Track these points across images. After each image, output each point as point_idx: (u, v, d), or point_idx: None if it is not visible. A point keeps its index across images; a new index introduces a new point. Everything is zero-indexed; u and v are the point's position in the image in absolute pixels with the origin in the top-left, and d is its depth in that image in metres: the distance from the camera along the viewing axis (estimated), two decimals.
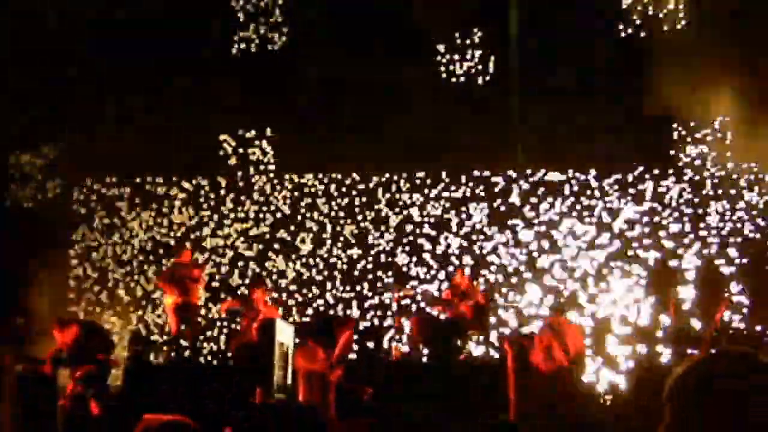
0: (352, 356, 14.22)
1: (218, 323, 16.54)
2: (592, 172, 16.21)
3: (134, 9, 15.68)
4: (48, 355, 10.93)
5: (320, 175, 16.96)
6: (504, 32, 16.53)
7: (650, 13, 15.57)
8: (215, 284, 16.55)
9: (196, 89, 16.04)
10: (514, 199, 16.34)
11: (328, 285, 16.61)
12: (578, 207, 16.13)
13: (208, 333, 16.47)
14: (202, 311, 15.90)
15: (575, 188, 16.24)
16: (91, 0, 15.73)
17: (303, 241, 16.78)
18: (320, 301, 16.53)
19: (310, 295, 16.54)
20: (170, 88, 15.99)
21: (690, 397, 1.98)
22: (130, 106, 15.92)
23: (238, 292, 16.27)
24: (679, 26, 15.45)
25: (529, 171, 16.33)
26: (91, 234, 17.24)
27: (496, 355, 14.51)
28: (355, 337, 14.52)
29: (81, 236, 17.24)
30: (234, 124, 16.88)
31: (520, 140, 16.27)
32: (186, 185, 17.20)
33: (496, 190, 16.46)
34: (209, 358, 16.25)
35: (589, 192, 16.18)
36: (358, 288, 16.48)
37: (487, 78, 16.36)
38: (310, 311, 16.35)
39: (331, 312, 16.10)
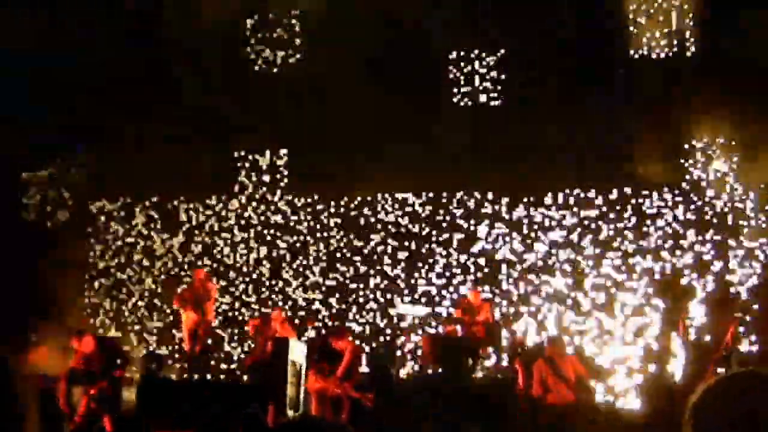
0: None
1: (229, 339, 16.66)
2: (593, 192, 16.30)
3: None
4: (62, 373, 11.01)
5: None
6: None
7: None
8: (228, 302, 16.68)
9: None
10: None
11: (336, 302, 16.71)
12: (585, 225, 16.19)
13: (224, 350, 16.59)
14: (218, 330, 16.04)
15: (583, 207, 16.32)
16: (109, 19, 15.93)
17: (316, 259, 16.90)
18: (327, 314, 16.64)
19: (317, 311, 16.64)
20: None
21: (713, 417, 2.00)
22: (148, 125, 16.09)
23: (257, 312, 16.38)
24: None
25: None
26: (106, 251, 17.39)
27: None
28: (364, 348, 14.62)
29: (97, 254, 17.39)
30: (251, 143, 17.09)
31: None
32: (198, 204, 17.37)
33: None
34: (222, 375, 16.33)
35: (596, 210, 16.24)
36: (369, 304, 16.56)
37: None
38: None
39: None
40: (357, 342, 14.38)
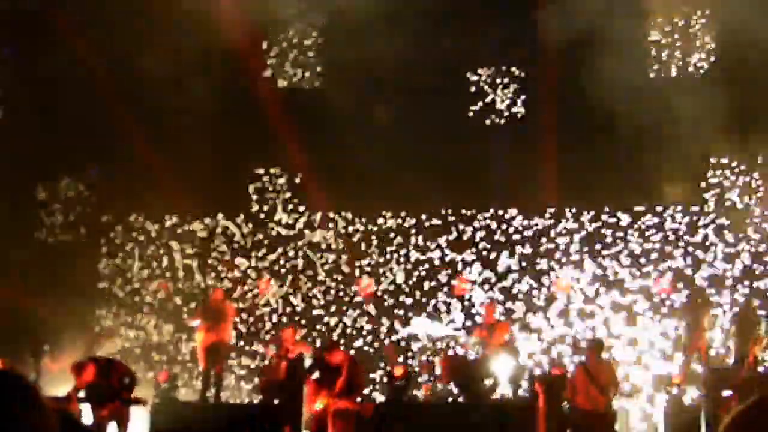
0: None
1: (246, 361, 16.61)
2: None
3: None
4: (72, 392, 10.91)
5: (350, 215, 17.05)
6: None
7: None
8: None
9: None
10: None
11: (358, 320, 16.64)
12: (608, 245, 16.05)
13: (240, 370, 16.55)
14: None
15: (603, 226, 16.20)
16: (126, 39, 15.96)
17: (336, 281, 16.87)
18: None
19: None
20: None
21: None
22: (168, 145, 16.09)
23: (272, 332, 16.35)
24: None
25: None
26: (122, 267, 17.38)
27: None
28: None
29: (111, 269, 17.37)
30: (269, 162, 17.06)
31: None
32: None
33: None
34: (238, 394, 16.27)
35: (619, 231, 16.09)
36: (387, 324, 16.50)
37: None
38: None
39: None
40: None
